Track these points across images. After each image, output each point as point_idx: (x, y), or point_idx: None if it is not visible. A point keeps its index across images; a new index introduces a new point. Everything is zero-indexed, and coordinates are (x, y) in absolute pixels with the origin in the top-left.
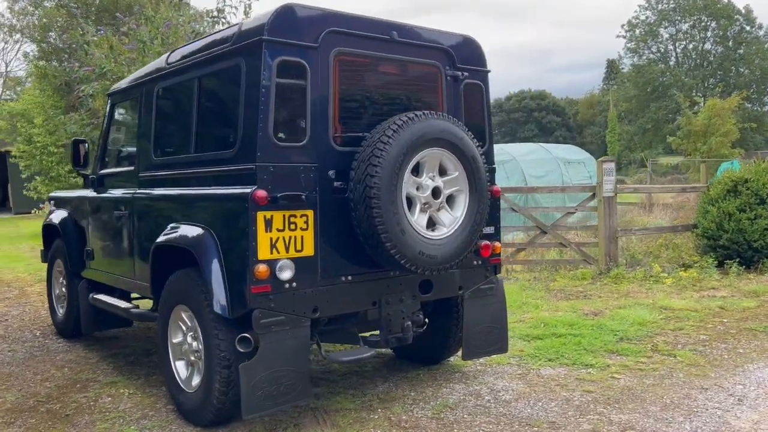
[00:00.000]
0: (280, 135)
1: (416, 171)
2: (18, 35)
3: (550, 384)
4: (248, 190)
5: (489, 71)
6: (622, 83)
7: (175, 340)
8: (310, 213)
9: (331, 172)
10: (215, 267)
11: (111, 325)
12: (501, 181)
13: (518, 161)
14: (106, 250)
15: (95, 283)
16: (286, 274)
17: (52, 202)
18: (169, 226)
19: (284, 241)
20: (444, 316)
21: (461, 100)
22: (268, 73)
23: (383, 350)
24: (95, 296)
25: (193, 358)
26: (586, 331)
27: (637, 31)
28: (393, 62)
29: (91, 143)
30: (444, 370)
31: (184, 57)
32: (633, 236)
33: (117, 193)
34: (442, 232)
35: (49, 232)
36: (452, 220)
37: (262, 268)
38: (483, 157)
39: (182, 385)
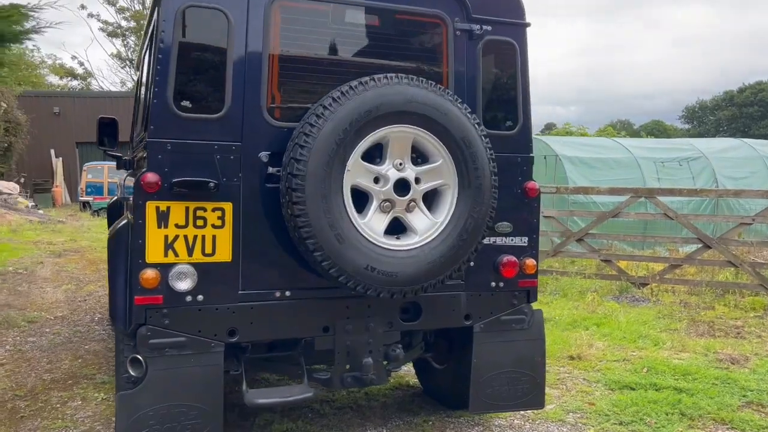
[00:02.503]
0: (185, 103)
1: (379, 157)
2: None
3: None
4: (139, 174)
5: (527, 24)
6: None
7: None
8: (227, 206)
9: (263, 155)
10: (120, 268)
11: None
12: (684, 182)
13: (708, 159)
14: None
15: None
16: (183, 284)
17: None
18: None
19: (186, 240)
20: (464, 352)
21: (478, 64)
22: (169, 24)
23: (414, 381)
24: None
25: None
26: (701, 386)
27: None
28: (368, 11)
29: None
30: (464, 421)
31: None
32: None
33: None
34: (410, 242)
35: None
36: (429, 225)
37: (148, 274)
38: (511, 141)
39: None
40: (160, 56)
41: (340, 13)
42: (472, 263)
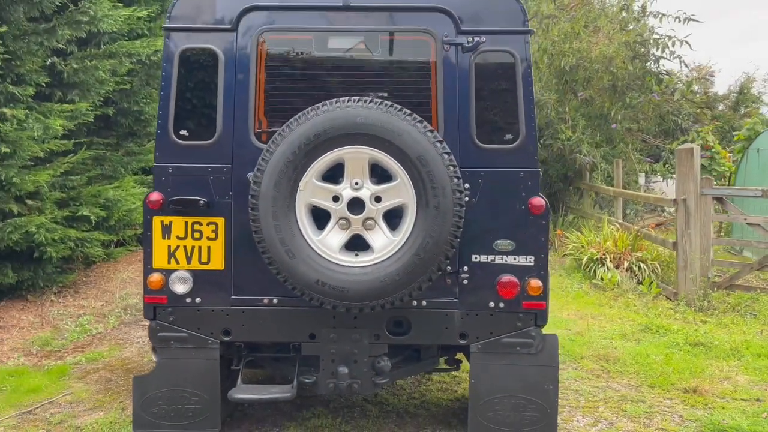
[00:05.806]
0: (183, 132)
1: (342, 176)
2: None
3: None
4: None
5: (529, 32)
6: None
7: None
8: (220, 221)
9: (250, 175)
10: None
11: None
12: None
13: None
14: None
15: None
16: (181, 287)
17: None
18: None
19: (186, 250)
20: None
21: (471, 77)
22: (169, 64)
23: None
24: None
25: None
26: None
27: None
28: (351, 36)
29: None
30: None
31: None
32: None
33: None
34: (366, 259)
35: None
36: (386, 243)
37: (154, 278)
38: (512, 155)
39: None
40: (162, 93)
41: (322, 41)
42: (465, 281)
